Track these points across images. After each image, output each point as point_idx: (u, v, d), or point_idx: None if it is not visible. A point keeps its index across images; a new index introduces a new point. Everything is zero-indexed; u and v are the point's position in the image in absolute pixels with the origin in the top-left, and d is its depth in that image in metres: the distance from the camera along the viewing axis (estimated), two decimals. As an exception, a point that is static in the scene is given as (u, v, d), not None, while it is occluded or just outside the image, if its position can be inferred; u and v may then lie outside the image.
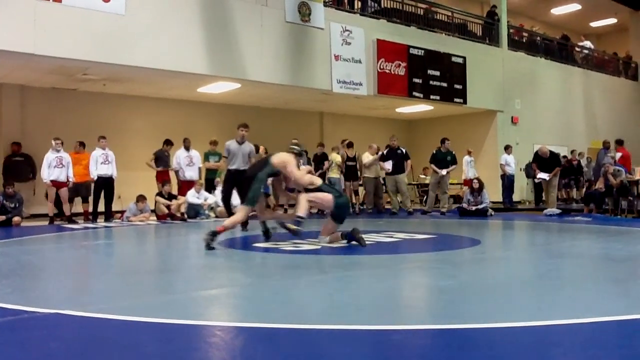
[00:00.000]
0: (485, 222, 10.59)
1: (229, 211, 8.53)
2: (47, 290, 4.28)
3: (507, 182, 15.12)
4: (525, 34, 20.12)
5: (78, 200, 11.68)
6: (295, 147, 7.05)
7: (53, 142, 10.90)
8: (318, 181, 6.74)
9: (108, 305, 3.52)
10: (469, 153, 14.91)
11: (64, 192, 10.94)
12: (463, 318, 3.10)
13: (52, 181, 10.75)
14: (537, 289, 4.10)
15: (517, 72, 18.06)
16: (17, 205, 10.38)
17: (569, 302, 3.61)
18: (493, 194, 14.73)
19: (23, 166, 12.00)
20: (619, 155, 14.63)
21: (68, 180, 10.95)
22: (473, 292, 3.93)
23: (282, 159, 6.75)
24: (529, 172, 15.56)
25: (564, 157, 15.92)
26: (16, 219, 10.25)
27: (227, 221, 6.50)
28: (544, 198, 14.21)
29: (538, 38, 20.26)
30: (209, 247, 6.03)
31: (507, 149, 15.27)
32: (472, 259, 5.69)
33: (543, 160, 12.78)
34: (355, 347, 2.63)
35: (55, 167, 10.79)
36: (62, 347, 2.67)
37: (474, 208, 11.90)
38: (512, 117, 17.85)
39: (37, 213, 11.89)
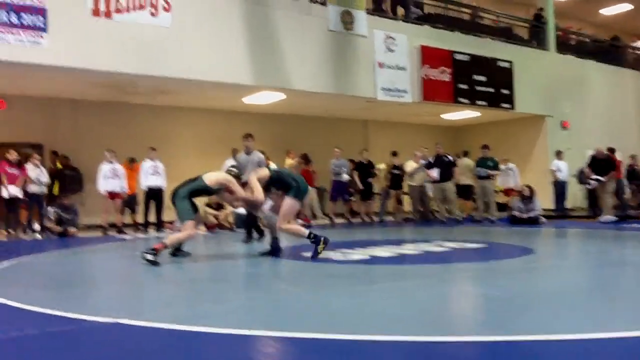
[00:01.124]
0: (537, 230, 10.33)
1: (251, 217, 8.74)
2: (105, 299, 4.38)
3: (559, 188, 14.70)
4: (573, 36, 19.63)
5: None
6: (234, 169, 7.13)
7: (107, 154, 11.22)
8: (260, 196, 6.45)
9: (164, 314, 3.57)
10: (505, 162, 14.40)
11: (118, 203, 11.25)
12: (515, 330, 3.01)
13: (108, 192, 11.07)
14: (592, 299, 3.96)
15: (566, 76, 17.61)
16: (72, 216, 10.71)
17: (626, 313, 3.47)
18: (544, 201, 14.37)
19: (72, 179, 12.36)
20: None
21: (122, 191, 11.25)
22: (525, 302, 3.82)
23: (220, 179, 6.47)
24: (582, 178, 15.10)
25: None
26: (72, 229, 10.57)
27: (169, 238, 6.48)
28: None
29: (587, 40, 19.72)
30: (152, 262, 5.89)
31: (559, 154, 14.87)
32: (524, 268, 5.54)
33: (597, 163, 12.34)
34: (400, 359, 2.58)
35: (109, 178, 11.12)
36: (122, 356, 2.71)
37: (525, 216, 11.62)
38: (561, 122, 17.39)
39: (87, 224, 12.22)
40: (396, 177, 13.57)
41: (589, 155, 13.08)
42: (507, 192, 14.34)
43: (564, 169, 14.65)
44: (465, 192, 13.79)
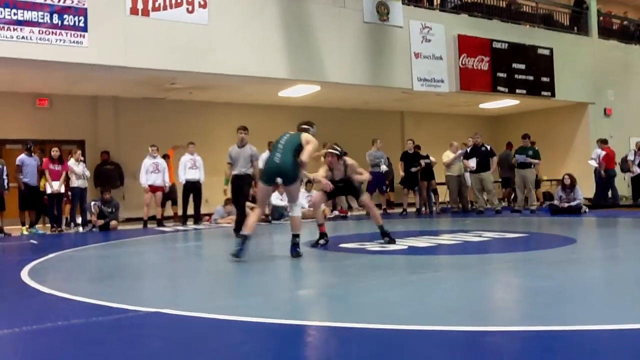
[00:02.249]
0: (579, 219, 10.10)
1: (243, 215, 8.19)
2: (147, 290, 4.48)
3: (599, 177, 14.28)
4: (616, 21, 19.03)
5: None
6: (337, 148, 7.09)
7: (150, 149, 11.49)
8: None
9: (204, 304, 3.63)
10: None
11: (159, 197, 11.51)
12: (559, 320, 2.96)
13: (149, 186, 11.32)
14: (636, 290, 3.85)
15: (609, 62, 17.10)
16: (113, 210, 10.96)
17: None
18: (585, 190, 14.03)
19: (113, 174, 12.65)
20: (603, 153, 13.72)
21: (165, 185, 11.50)
22: (569, 293, 3.75)
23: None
24: (624, 166, 14.68)
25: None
26: (113, 223, 10.82)
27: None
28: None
29: (631, 24, 19.10)
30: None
31: (600, 142, 14.46)
32: (567, 258, 5.43)
33: None
34: (447, 349, 2.57)
35: (152, 172, 11.38)
36: (164, 345, 2.78)
37: (566, 205, 11.36)
38: (605, 109, 16.92)
39: (128, 217, 12.49)
40: (425, 168, 13.41)
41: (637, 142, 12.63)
42: None
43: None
44: (506, 183, 13.93)
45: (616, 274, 4.62)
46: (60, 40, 9.61)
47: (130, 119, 13.46)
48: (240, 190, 8.54)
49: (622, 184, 15.78)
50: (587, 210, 11.49)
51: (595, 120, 16.65)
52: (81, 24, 9.78)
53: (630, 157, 14.39)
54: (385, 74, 13.14)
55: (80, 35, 9.78)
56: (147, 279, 5.12)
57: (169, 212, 12.40)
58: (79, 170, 10.92)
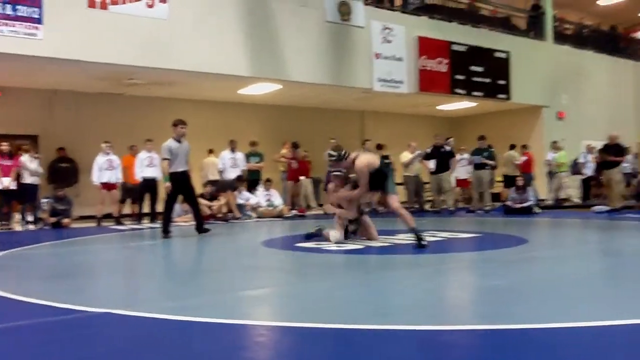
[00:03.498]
0: (531, 220, 10.36)
1: (168, 216, 8.11)
2: (97, 290, 4.40)
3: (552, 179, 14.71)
4: (571, 27, 19.58)
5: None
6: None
7: (103, 146, 11.23)
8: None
9: (156, 305, 3.59)
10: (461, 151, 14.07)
11: (114, 194, 11.27)
12: (512, 318, 3.04)
13: (102, 183, 11.07)
14: (588, 289, 3.99)
15: (564, 66, 17.60)
16: (66, 207, 10.71)
17: (622, 301, 3.49)
18: (540, 191, 14.45)
19: (68, 171, 12.35)
20: (523, 158, 14.24)
21: (117, 182, 11.28)
22: (521, 292, 3.84)
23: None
24: (575, 168, 15.16)
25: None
26: (66, 220, 10.58)
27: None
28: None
29: (585, 30, 19.68)
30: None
31: (554, 145, 14.87)
32: (519, 258, 5.56)
33: (608, 148, 12.16)
34: (402, 348, 2.60)
35: (105, 169, 11.13)
36: (113, 346, 2.73)
37: (518, 206, 11.65)
38: (558, 113, 17.41)
39: (82, 215, 12.23)
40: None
41: (603, 144, 12.95)
42: (460, 183, 14.22)
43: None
44: (510, 183, 13.80)
45: (566, 273, 4.75)
46: (13, 31, 9.33)
47: (87, 114, 13.16)
48: (187, 186, 8.32)
49: (573, 186, 16.26)
50: (539, 210, 11.80)
51: (549, 123, 17.12)
52: (36, 16, 9.52)
53: (581, 160, 14.86)
54: (346, 74, 13.21)
55: (35, 27, 9.51)
56: (99, 279, 5.03)
57: (127, 209, 12.18)
58: (32, 166, 10.62)
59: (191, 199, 8.51)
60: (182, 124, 8.28)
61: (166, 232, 7.98)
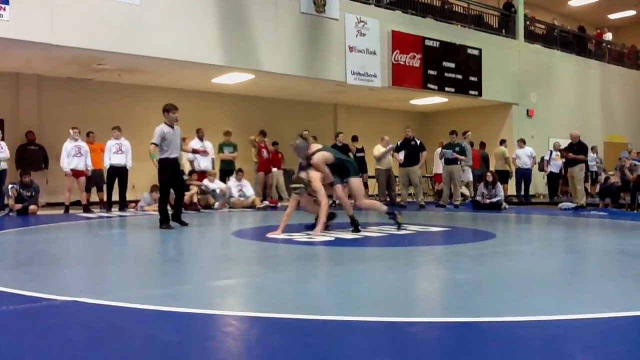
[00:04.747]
0: (499, 215, 10.54)
1: (165, 205, 7.89)
2: (64, 278, 4.32)
3: (519, 176, 14.94)
4: (542, 26, 19.91)
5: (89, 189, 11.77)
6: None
7: (71, 132, 11.02)
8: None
9: (124, 293, 3.55)
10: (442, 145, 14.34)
11: (82, 181, 11.08)
12: (478, 311, 3.08)
13: (71, 170, 10.88)
14: (552, 283, 4.07)
15: (534, 65, 17.90)
16: (33, 194, 10.49)
17: (585, 296, 3.59)
18: (509, 187, 14.71)
19: (37, 156, 12.10)
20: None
21: (87, 169, 11.09)
22: (488, 285, 3.91)
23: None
24: (541, 165, 15.46)
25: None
26: (32, 207, 10.36)
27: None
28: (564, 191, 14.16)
29: (555, 30, 20.03)
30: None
31: (520, 142, 15.11)
32: (487, 252, 5.65)
33: (570, 146, 12.43)
34: (370, 339, 2.63)
35: (74, 156, 10.93)
36: (79, 335, 2.69)
37: (487, 201, 11.83)
38: (527, 110, 17.71)
39: (50, 202, 12.01)
40: (360, 161, 13.60)
41: (555, 143, 13.29)
42: (437, 177, 14.55)
43: (523, 157, 14.81)
44: (503, 177, 14.29)
45: (532, 267, 4.86)
46: (-22, 12, 9.07)
47: (54, 99, 12.89)
48: (177, 174, 8.07)
49: (541, 182, 16.59)
50: (507, 206, 12.00)
51: (518, 120, 17.41)
52: (2, -4, 9.26)
53: (546, 157, 15.17)
54: (320, 66, 13.20)
55: (1, 7, 9.26)
56: (65, 267, 4.94)
57: (94, 197, 11.99)
58: (-6, 150, 10.37)
59: (179, 187, 8.19)
60: (174, 109, 7.90)
61: (165, 221, 7.70)
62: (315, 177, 6.67)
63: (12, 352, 2.41)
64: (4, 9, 9.28)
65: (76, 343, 2.55)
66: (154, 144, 7.73)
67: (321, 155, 6.78)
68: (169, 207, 8.13)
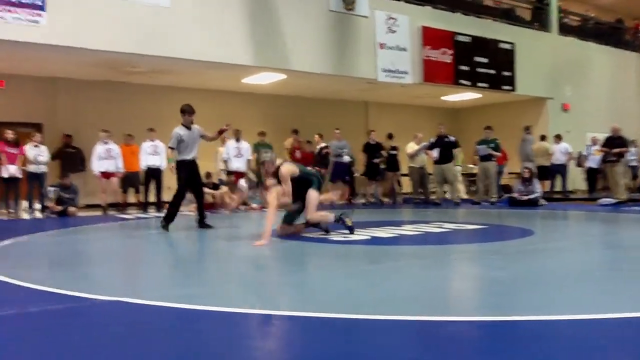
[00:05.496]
0: (537, 212, 10.34)
1: (176, 206, 7.70)
2: (104, 278, 4.39)
3: (555, 172, 14.63)
4: (576, 18, 19.48)
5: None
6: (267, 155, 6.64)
7: (101, 134, 11.23)
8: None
9: (164, 293, 3.58)
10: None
11: (113, 183, 11.27)
12: (516, 310, 3.02)
13: (101, 172, 11.08)
14: (592, 281, 3.97)
15: (568, 58, 17.52)
16: (72, 196, 10.72)
17: (625, 294, 3.48)
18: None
19: (74, 158, 12.35)
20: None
21: (118, 171, 11.28)
22: (526, 283, 3.83)
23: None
24: (579, 161, 15.12)
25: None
26: (72, 209, 10.58)
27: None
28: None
29: (590, 22, 19.58)
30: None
31: (556, 138, 14.82)
32: (524, 250, 5.55)
33: (611, 140, 12.13)
34: (406, 338, 2.60)
35: (104, 158, 11.12)
36: (122, 333, 2.73)
37: (524, 198, 11.62)
38: (562, 105, 17.35)
39: (89, 203, 12.23)
40: (392, 159, 13.53)
41: (606, 136, 12.90)
42: None
43: (558, 153, 14.50)
44: (543, 173, 14.10)
45: (572, 266, 4.75)
46: (16, 18, 9.29)
47: (89, 102, 13.12)
48: (195, 176, 7.86)
49: (579, 178, 16.23)
50: (544, 202, 11.78)
51: (553, 115, 17.06)
52: (39, 2, 9.48)
53: (585, 152, 14.83)
54: (350, 64, 13.16)
55: (38, 14, 9.47)
56: (105, 267, 5.02)
57: (131, 199, 12.18)
58: (31, 155, 10.60)
59: (197, 190, 8.09)
60: (191, 112, 7.80)
61: (167, 221, 7.53)
62: (275, 190, 6.32)
63: (58, 350, 2.45)
64: (41, 16, 9.49)
65: (119, 341, 2.58)
66: (171, 147, 7.66)
67: (287, 168, 6.42)
68: (195, 212, 8.13)
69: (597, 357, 2.30)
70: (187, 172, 7.67)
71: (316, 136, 13.46)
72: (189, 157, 7.70)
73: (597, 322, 2.75)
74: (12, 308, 3.18)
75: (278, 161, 6.54)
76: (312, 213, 6.54)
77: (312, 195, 6.52)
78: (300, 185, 6.50)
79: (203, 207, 8.07)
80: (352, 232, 6.52)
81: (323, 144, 13.22)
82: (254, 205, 11.85)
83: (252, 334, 2.72)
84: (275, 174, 6.39)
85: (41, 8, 9.48)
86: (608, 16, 21.33)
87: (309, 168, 7.33)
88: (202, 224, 7.85)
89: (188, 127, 7.74)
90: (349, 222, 6.58)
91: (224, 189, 11.84)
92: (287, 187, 6.32)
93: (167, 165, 7.77)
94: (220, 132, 8.02)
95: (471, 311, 3.16)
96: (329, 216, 6.70)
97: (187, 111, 7.77)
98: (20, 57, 10.77)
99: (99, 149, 11.18)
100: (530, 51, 16.37)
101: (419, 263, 4.81)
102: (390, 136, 13.65)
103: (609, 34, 19.76)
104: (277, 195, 6.25)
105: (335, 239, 6.22)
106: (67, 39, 9.76)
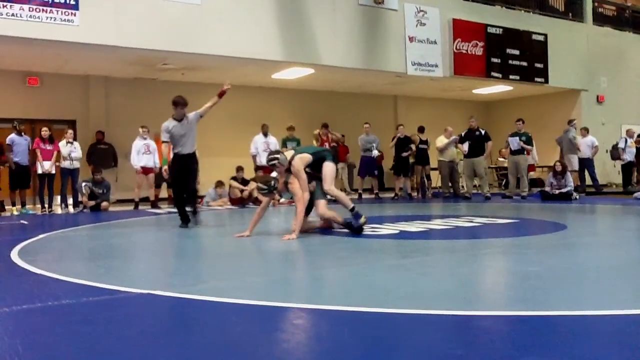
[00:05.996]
0: (570, 206, 10.15)
1: (179, 204, 7.43)
2: (137, 271, 4.47)
3: (582, 165, 14.24)
4: (612, 8, 19.01)
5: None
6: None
7: (140, 130, 11.40)
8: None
9: (196, 286, 3.62)
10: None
11: (150, 178, 11.45)
12: (549, 305, 2.97)
13: (141, 167, 11.26)
14: (629, 276, 3.88)
15: (603, 49, 17.12)
16: (104, 191, 10.92)
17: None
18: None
19: (107, 154, 12.58)
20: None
21: (155, 167, 11.44)
22: (560, 278, 3.76)
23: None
24: (614, 153, 14.75)
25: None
26: (104, 204, 10.78)
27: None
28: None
29: (627, 11, 19.09)
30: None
31: (583, 131, 14.38)
32: (558, 244, 5.45)
33: None
34: (439, 332, 2.58)
35: (143, 153, 11.31)
36: (156, 326, 2.77)
37: (557, 192, 11.42)
38: (597, 96, 16.96)
39: (120, 199, 12.45)
40: (422, 153, 13.41)
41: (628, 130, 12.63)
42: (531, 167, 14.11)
43: (583, 146, 14.07)
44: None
45: (607, 260, 4.64)
46: (51, 18, 9.49)
47: (121, 99, 13.36)
48: (187, 170, 7.40)
49: (613, 171, 15.89)
50: (577, 196, 11.56)
51: (587, 107, 16.71)
52: (72, 2, 9.67)
53: (621, 145, 14.45)
54: (379, 58, 13.09)
55: (71, 13, 9.66)
56: (138, 261, 5.11)
57: (164, 193, 12.34)
58: (64, 151, 10.82)
59: (189, 186, 7.47)
60: (183, 105, 7.38)
61: (184, 221, 7.27)
62: (294, 180, 6.18)
63: (94, 340, 2.50)
64: (74, 15, 9.67)
65: (152, 333, 2.62)
66: (165, 141, 7.25)
67: (299, 159, 6.15)
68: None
69: (632, 353, 2.24)
70: (178, 167, 7.23)
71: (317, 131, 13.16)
72: (183, 151, 7.28)
73: (632, 318, 2.68)
74: (47, 300, 3.26)
75: (288, 155, 6.28)
76: (330, 186, 6.29)
77: (328, 166, 6.32)
78: (316, 166, 6.35)
79: (194, 205, 7.57)
80: (358, 233, 6.12)
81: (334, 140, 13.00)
82: (282, 200, 11.89)
83: (281, 327, 2.73)
84: (289, 169, 6.21)
85: (74, 7, 9.66)
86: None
87: (319, 147, 7.14)
88: (184, 222, 7.35)
89: (179, 120, 7.31)
90: (362, 220, 6.21)
91: (253, 184, 11.89)
92: (302, 180, 6.14)
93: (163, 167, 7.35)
94: (221, 94, 7.59)
95: (505, 306, 3.11)
96: (347, 201, 6.40)
97: (179, 103, 7.36)
98: (54, 55, 11.01)
99: (138, 144, 11.36)
100: (563, 42, 16.06)
101: (450, 257, 4.77)
102: (421, 129, 13.53)
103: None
104: (303, 185, 6.13)
105: (363, 233, 6.20)
106: (100, 37, 9.93)
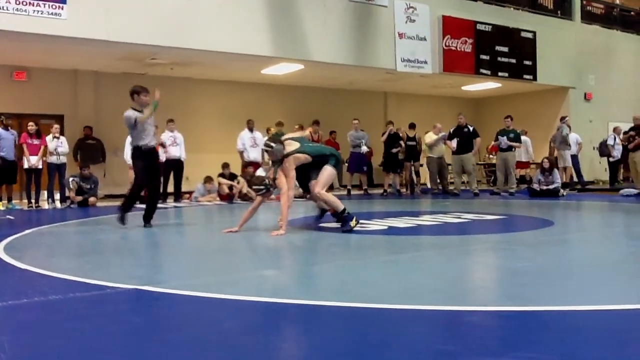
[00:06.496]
0: (557, 202, 10.22)
1: (132, 198, 6.96)
2: (124, 267, 4.43)
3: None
4: (600, 6, 19.13)
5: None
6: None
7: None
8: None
9: (183, 282, 3.61)
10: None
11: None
12: (538, 300, 3.00)
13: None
14: (615, 272, 3.91)
15: (591, 46, 17.23)
16: (92, 186, 10.84)
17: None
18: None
19: (94, 149, 12.48)
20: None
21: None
22: (547, 274, 3.79)
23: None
24: (603, 150, 14.86)
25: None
26: (92, 199, 10.70)
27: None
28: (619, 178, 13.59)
29: (615, 10, 19.21)
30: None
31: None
32: (545, 240, 5.49)
33: (633, 130, 11.90)
34: (430, 328, 2.59)
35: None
36: (144, 322, 2.76)
37: (544, 188, 11.49)
38: (585, 94, 17.08)
39: (108, 194, 12.36)
40: (411, 149, 13.43)
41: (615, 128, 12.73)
42: (519, 164, 14.15)
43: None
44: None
45: (593, 256, 4.69)
46: (38, 11, 9.38)
47: (110, 94, 13.21)
48: (155, 165, 7.07)
49: (600, 168, 16.02)
50: (564, 193, 11.64)
51: (575, 104, 16.82)
52: (60, -5, 9.55)
53: (610, 142, 14.56)
54: (369, 54, 13.08)
55: (59, 6, 9.55)
56: (126, 256, 5.07)
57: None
58: (51, 146, 10.73)
59: (154, 183, 7.06)
60: (145, 92, 6.98)
61: (122, 219, 6.72)
62: (281, 175, 6.13)
63: (82, 336, 2.48)
64: (62, 9, 9.57)
65: (141, 329, 2.61)
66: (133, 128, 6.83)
67: (294, 158, 6.07)
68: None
69: (621, 348, 2.26)
70: (145, 161, 6.77)
71: (296, 127, 13.08)
72: (146, 143, 6.83)
73: (620, 313, 2.71)
74: (34, 296, 3.23)
75: (290, 148, 6.17)
76: (321, 189, 6.19)
77: (327, 170, 6.23)
78: (316, 166, 6.26)
79: (154, 203, 7.10)
80: (349, 231, 5.95)
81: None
82: (272, 196, 11.84)
83: (271, 322, 2.72)
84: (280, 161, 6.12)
85: (62, 1, 9.56)
86: (633, 3, 20.91)
87: (327, 147, 7.08)
88: (146, 218, 6.99)
89: (140, 111, 6.88)
90: (353, 223, 5.99)
91: (241, 180, 11.87)
92: (290, 178, 6.06)
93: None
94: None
95: (494, 301, 3.14)
96: (338, 203, 6.26)
97: (140, 92, 6.91)
98: (41, 49, 10.89)
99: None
100: (552, 40, 16.14)
101: (440, 253, 4.78)
102: (412, 126, 13.54)
103: (634, 21, 19.36)
104: (289, 182, 6.09)
105: (353, 228, 6.19)
106: (88, 31, 9.83)
